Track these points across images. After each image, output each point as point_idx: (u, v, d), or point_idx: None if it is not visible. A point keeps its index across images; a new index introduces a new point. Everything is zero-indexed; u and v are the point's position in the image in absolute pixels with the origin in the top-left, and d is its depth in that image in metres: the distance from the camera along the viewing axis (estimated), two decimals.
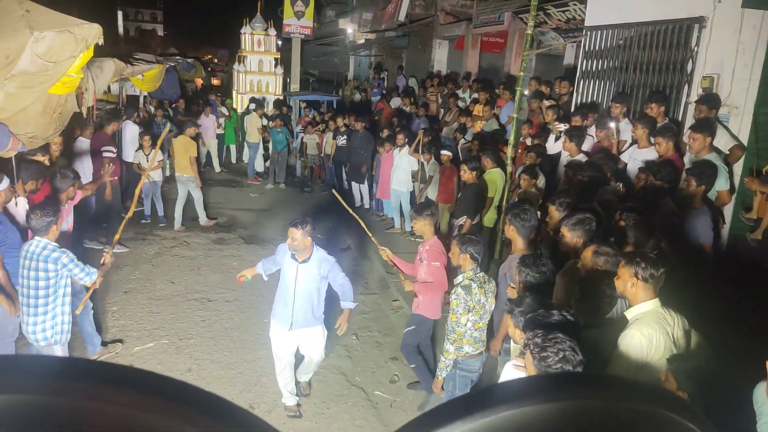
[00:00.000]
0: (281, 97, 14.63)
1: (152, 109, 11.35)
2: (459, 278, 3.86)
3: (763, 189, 4.67)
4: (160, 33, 52.31)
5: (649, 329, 2.70)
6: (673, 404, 0.41)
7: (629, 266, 2.82)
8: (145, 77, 9.81)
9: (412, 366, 4.82)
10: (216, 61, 30.59)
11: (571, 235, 3.74)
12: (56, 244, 3.99)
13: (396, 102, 12.92)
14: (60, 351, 4.13)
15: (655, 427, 0.41)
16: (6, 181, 4.34)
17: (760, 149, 5.17)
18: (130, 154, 9.04)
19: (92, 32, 4.64)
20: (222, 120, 13.00)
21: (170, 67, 12.50)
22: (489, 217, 6.66)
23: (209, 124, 12.42)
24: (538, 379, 0.69)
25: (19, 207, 4.83)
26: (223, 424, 0.37)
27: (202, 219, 9.02)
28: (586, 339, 2.93)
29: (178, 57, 17.48)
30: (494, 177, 6.61)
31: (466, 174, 6.41)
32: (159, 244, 8.06)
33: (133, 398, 0.35)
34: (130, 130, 9.17)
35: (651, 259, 2.83)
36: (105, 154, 7.48)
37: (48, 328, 4.02)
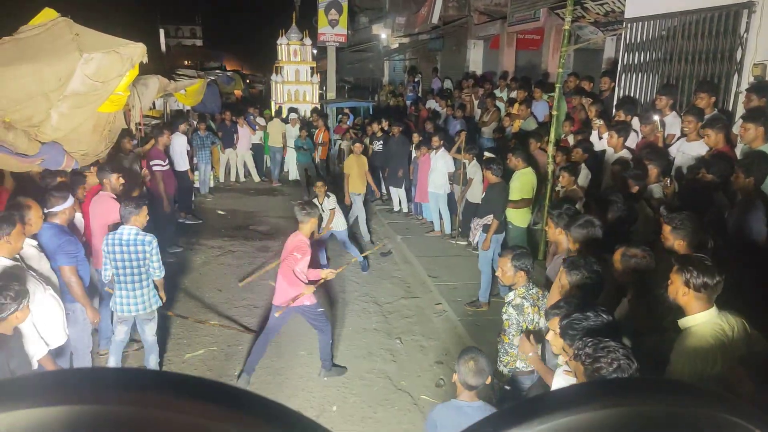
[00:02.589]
0: (318, 106, 14.81)
1: (194, 122, 11.66)
2: (510, 296, 3.69)
3: None
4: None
5: (704, 345, 2.53)
6: (734, 408, 0.40)
7: (680, 273, 2.62)
8: (187, 92, 10.11)
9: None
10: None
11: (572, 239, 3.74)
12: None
13: (431, 104, 12.90)
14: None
15: (716, 430, 0.40)
16: (71, 199, 4.54)
17: None
18: (181, 165, 9.35)
19: (137, 51, 4.82)
20: (260, 131, 13.28)
21: (211, 80, 12.85)
22: (523, 218, 6.51)
23: (244, 134, 12.71)
24: (596, 385, 0.67)
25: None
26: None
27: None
28: (644, 345, 2.81)
29: (218, 71, 17.92)
30: (528, 177, 6.47)
31: (488, 173, 6.37)
32: (206, 253, 8.26)
33: (205, 408, 0.36)
34: (179, 142, 9.43)
35: (704, 267, 2.59)
36: (155, 168, 7.75)
37: (150, 298, 4.70)
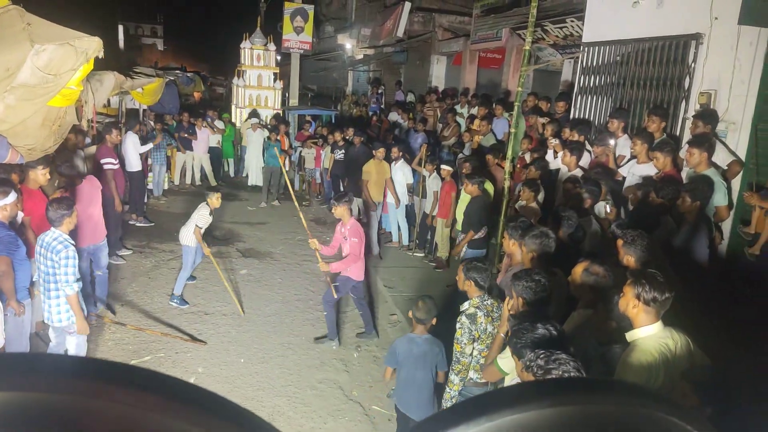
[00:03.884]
0: (279, 112, 14.69)
1: (151, 122, 11.35)
2: (465, 305, 3.74)
3: (762, 204, 4.67)
4: (160, 47, 52.68)
5: (649, 359, 2.60)
6: (673, 408, 0.41)
7: (633, 286, 2.71)
8: (144, 91, 9.85)
9: (325, 314, 5.80)
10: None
11: (526, 249, 3.85)
12: (68, 236, 4.34)
13: (393, 116, 12.99)
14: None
15: (656, 430, 0.40)
16: (13, 195, 4.33)
17: (759, 164, 5.19)
18: (133, 165, 9.07)
19: (92, 45, 4.66)
20: (218, 134, 13.10)
21: (170, 81, 12.55)
22: None
23: (202, 137, 12.48)
24: (544, 383, 0.68)
25: None
26: (227, 424, 0.36)
27: None
28: (599, 357, 2.88)
29: (177, 71, 17.56)
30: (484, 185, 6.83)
31: (469, 187, 6.48)
32: (156, 257, 8.03)
33: (137, 397, 0.34)
34: (131, 141, 9.16)
35: (656, 282, 2.69)
36: (106, 166, 7.48)
37: (63, 311, 4.36)
